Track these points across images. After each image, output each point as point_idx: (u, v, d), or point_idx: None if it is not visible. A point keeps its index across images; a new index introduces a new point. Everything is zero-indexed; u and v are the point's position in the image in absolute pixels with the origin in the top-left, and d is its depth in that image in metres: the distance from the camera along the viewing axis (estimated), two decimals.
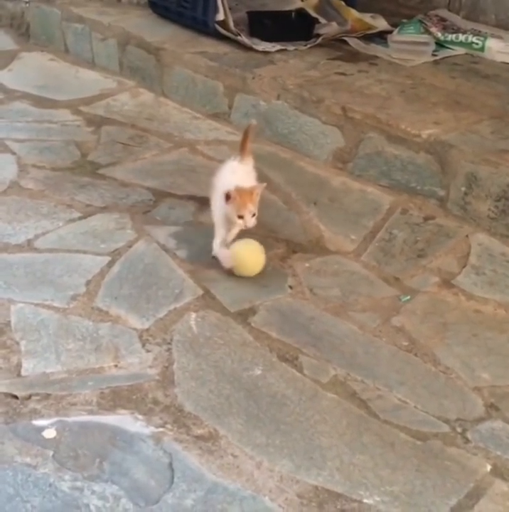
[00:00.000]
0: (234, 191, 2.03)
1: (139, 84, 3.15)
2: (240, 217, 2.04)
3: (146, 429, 1.56)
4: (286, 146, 2.71)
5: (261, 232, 2.32)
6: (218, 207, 2.12)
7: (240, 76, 2.81)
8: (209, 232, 2.31)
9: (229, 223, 2.12)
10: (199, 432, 1.57)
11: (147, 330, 1.88)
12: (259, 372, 1.77)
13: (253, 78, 2.77)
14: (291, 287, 2.10)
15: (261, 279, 2.12)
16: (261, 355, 1.83)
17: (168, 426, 1.57)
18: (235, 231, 2.14)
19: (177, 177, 2.57)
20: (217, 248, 2.15)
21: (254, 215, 2.06)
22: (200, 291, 2.04)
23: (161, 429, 1.57)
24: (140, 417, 1.59)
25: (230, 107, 2.85)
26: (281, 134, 2.72)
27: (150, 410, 1.62)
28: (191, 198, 2.47)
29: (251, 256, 2.12)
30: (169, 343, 1.83)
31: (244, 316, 1.96)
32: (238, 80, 2.81)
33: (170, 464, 1.48)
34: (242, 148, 2.20)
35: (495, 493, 1.50)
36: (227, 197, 2.05)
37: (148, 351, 1.80)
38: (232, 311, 1.98)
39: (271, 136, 2.74)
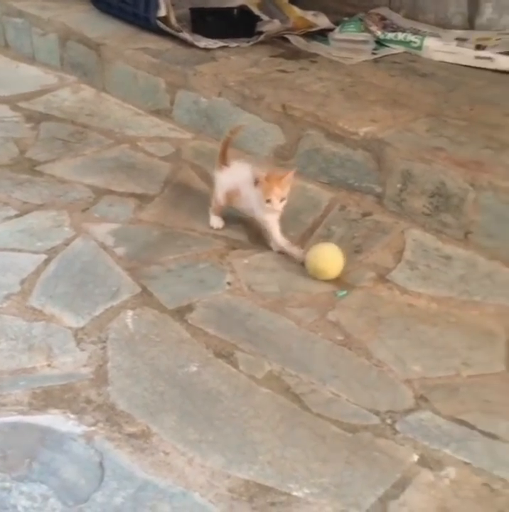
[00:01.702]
0: (261, 176, 2.11)
1: (80, 80, 3.13)
2: (268, 201, 2.12)
3: (78, 429, 1.56)
4: None
5: (201, 229, 2.35)
6: (256, 199, 2.18)
7: (182, 73, 2.81)
8: (149, 229, 2.33)
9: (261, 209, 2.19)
10: (131, 429, 1.58)
11: (82, 328, 1.87)
12: (194, 368, 1.79)
13: (194, 75, 2.78)
14: (229, 284, 2.12)
15: (199, 275, 2.14)
16: (197, 351, 1.85)
17: (100, 424, 1.58)
18: (273, 217, 2.19)
19: (117, 174, 2.57)
20: (281, 241, 2.22)
21: (282, 199, 2.13)
22: (138, 289, 2.04)
23: (92, 428, 1.57)
24: (72, 416, 1.59)
25: (172, 104, 2.85)
26: (222, 131, 2.71)
27: (82, 409, 1.62)
28: (131, 194, 2.47)
29: (333, 260, 2.16)
30: (104, 342, 1.83)
31: (181, 313, 1.97)
32: (180, 77, 2.81)
33: (101, 463, 1.48)
34: (222, 156, 2.27)
35: (420, 482, 1.54)
36: (256, 182, 2.13)
37: (82, 350, 1.80)
38: (170, 308, 1.99)
39: (213, 133, 2.75)
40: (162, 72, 2.85)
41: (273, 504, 1.45)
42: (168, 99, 2.86)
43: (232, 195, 2.28)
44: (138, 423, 1.60)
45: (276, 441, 1.61)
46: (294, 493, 1.48)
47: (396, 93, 2.73)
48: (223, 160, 2.27)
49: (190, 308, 2.00)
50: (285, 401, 1.73)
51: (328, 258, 2.16)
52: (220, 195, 2.31)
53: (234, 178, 2.26)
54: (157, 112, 2.89)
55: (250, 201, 2.22)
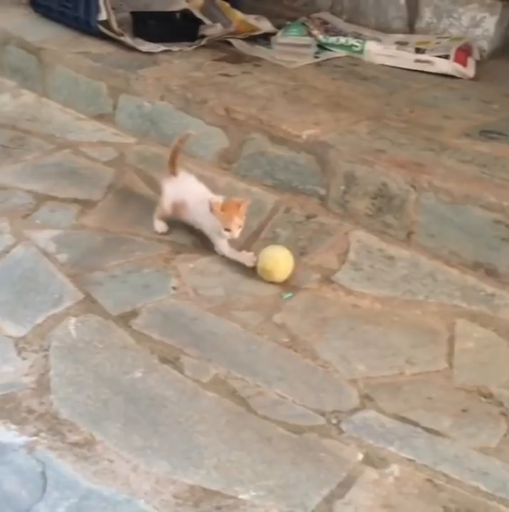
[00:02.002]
0: (217, 204, 2.13)
1: (21, 85, 3.07)
2: (227, 230, 2.15)
3: (19, 439, 1.53)
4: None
5: (145, 234, 2.33)
6: (206, 218, 2.20)
7: (124, 77, 2.79)
8: (92, 234, 2.30)
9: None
10: (74, 438, 1.56)
11: (23, 337, 1.84)
12: (139, 374, 1.77)
13: (136, 79, 2.76)
14: (174, 288, 2.11)
15: (144, 280, 2.12)
16: (142, 357, 1.83)
17: (43, 434, 1.55)
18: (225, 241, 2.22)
19: (59, 179, 2.53)
20: (226, 249, 2.22)
21: (240, 227, 2.16)
22: (81, 296, 2.02)
23: (34, 438, 1.54)
24: (13, 426, 1.56)
25: (115, 108, 2.83)
26: (166, 135, 2.72)
27: (23, 419, 1.59)
28: (74, 200, 2.44)
29: (285, 262, 2.18)
30: (46, 350, 1.80)
31: (125, 319, 1.96)
32: (122, 81, 2.79)
33: (43, 473, 1.46)
34: (171, 164, 2.27)
35: (365, 481, 1.56)
36: (211, 209, 2.15)
37: (24, 359, 1.76)
38: (114, 314, 1.97)
39: (157, 137, 2.74)
40: (104, 76, 2.83)
41: (219, 508, 1.45)
42: (110, 104, 2.83)
43: (178, 207, 2.27)
44: (81, 431, 1.58)
45: (221, 445, 1.60)
46: (240, 496, 1.48)
47: (338, 96, 2.76)
48: (172, 169, 2.26)
49: (134, 313, 1.98)
50: (231, 404, 1.72)
51: (279, 260, 2.17)
52: (166, 205, 2.30)
53: (181, 190, 2.26)
54: (100, 117, 2.86)
55: (198, 215, 2.23)
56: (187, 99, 2.67)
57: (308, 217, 2.43)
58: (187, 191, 2.25)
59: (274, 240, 2.34)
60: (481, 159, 2.38)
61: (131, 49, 2.96)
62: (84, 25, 3.03)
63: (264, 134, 2.53)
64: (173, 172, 2.26)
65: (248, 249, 2.27)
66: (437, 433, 1.71)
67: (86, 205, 2.42)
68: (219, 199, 2.17)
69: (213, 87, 2.74)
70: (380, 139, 2.47)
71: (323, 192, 2.44)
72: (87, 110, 2.89)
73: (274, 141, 2.51)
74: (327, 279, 2.21)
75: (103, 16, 2.95)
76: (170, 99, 2.69)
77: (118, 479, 1.47)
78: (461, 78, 3.01)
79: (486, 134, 2.56)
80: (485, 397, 1.84)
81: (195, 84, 2.74)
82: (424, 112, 2.70)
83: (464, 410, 1.79)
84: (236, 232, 2.16)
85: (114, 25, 2.97)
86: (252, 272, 2.22)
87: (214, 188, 2.34)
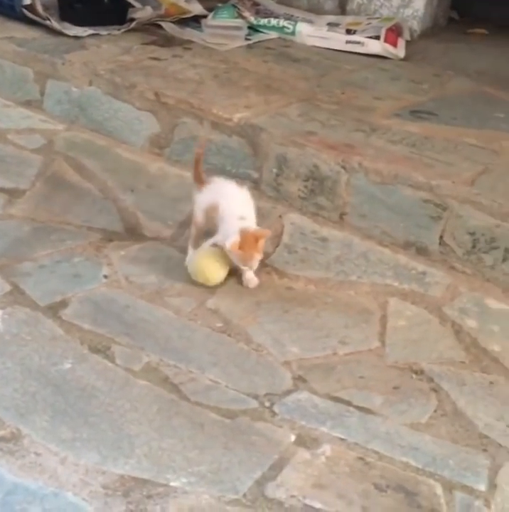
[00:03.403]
0: (235, 245, 1.95)
1: None
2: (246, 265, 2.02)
3: None
4: (102, 133, 2.66)
5: (76, 222, 2.29)
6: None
7: (50, 62, 2.72)
8: (20, 224, 2.24)
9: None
10: (0, 433, 1.52)
11: None
12: (68, 365, 1.74)
13: (63, 64, 2.70)
14: (105, 276, 2.08)
15: (74, 270, 2.08)
16: (71, 348, 1.80)
17: None
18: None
19: None
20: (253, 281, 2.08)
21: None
22: (8, 287, 1.97)
23: None
24: None
25: (42, 94, 2.76)
26: (96, 121, 2.67)
27: None
28: (0, 190, 2.37)
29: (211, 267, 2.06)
30: None
31: (54, 309, 1.92)
32: (48, 66, 2.72)
33: None
34: (196, 176, 2.11)
35: (297, 461, 1.56)
36: (233, 246, 1.96)
37: None
38: (42, 305, 1.92)
39: (87, 123, 2.68)
40: (29, 61, 2.75)
41: (149, 496, 1.43)
42: (37, 90, 2.76)
43: (210, 211, 2.06)
44: (7, 426, 1.54)
45: (153, 433, 1.59)
46: (171, 484, 1.47)
47: (269, 78, 2.75)
48: (198, 178, 2.10)
49: (64, 303, 1.94)
50: (163, 392, 1.71)
51: (205, 269, 2.07)
52: (198, 216, 2.10)
53: (213, 194, 2.07)
54: (27, 103, 2.79)
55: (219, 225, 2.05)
56: (116, 83, 2.62)
57: None
58: (220, 194, 2.06)
59: None
60: (410, 139, 2.41)
61: (58, 33, 2.89)
62: (8, 9, 2.94)
63: (195, 118, 2.50)
64: (200, 181, 2.10)
65: (181, 235, 2.25)
66: (369, 411, 1.73)
67: (13, 194, 2.36)
68: (236, 238, 1.96)
69: (143, 71, 2.69)
70: (311, 121, 2.47)
71: (256, 175, 2.43)
72: (13, 96, 2.81)
73: (205, 125, 2.48)
74: (261, 263, 2.19)
75: (27, 0, 2.86)
76: (99, 84, 2.64)
77: (45, 472, 1.44)
78: (391, 59, 3.04)
79: (416, 113, 2.58)
80: (416, 373, 1.87)
81: (124, 68, 2.69)
82: (355, 93, 2.71)
83: (396, 387, 1.82)
84: (255, 266, 2.02)
85: (40, 9, 2.89)
86: (185, 257, 2.20)
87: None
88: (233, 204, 2.04)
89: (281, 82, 2.72)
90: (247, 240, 1.96)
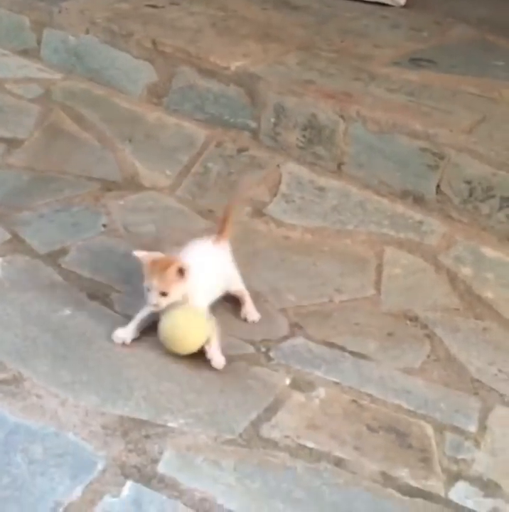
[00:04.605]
0: (144, 256, 1.71)
1: None
2: (147, 289, 1.69)
3: None
4: (99, 83, 2.64)
5: (74, 172, 2.29)
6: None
7: (46, 10, 2.69)
8: (18, 174, 2.25)
9: None
10: (2, 376, 1.55)
11: None
12: (68, 312, 1.77)
13: (59, 12, 2.66)
14: (104, 226, 2.09)
15: (73, 219, 2.10)
16: (71, 295, 1.82)
17: None
18: (139, 316, 1.73)
19: None
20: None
21: (164, 294, 1.66)
22: (8, 235, 1.99)
23: None
24: None
25: (39, 43, 2.73)
26: (93, 70, 2.65)
27: None
28: None
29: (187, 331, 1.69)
30: None
31: (54, 257, 1.94)
32: (44, 14, 2.69)
33: None
34: (220, 228, 1.87)
35: (292, 404, 1.60)
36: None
37: None
38: (42, 253, 1.95)
39: (84, 72, 2.66)
40: (25, 9, 2.72)
41: (147, 436, 1.47)
42: (34, 39, 2.73)
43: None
44: (9, 369, 1.57)
45: (151, 377, 1.62)
46: (169, 424, 1.51)
47: (268, 26, 2.72)
48: (223, 232, 1.87)
49: (63, 252, 1.97)
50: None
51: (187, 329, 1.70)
52: None
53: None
54: (24, 52, 2.76)
55: None
56: (113, 32, 2.59)
57: (240, 150, 2.41)
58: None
59: (204, 174, 2.33)
60: (409, 87, 2.39)
61: None
62: None
63: (193, 67, 2.48)
64: (222, 234, 1.87)
65: (179, 185, 2.26)
66: (363, 356, 1.76)
67: (11, 143, 2.36)
68: (157, 254, 1.74)
69: (140, 18, 2.66)
70: (310, 70, 2.45)
71: (254, 125, 2.42)
72: (10, 45, 2.78)
73: (203, 73, 2.47)
74: (258, 212, 2.22)
75: None
76: (96, 33, 2.61)
77: (46, 414, 1.48)
78: (392, 6, 2.99)
79: (415, 61, 2.56)
80: (410, 320, 1.90)
81: (120, 16, 2.66)
82: (355, 41, 2.68)
83: (390, 334, 1.85)
84: (154, 299, 1.66)
85: None
86: (183, 206, 2.22)
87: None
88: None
89: (279, 30, 2.69)
90: (156, 261, 1.69)
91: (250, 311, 1.84)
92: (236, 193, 1.99)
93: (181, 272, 1.68)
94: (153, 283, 1.67)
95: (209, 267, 1.77)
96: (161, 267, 1.68)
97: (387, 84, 2.41)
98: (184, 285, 1.69)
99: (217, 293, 1.81)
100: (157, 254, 1.73)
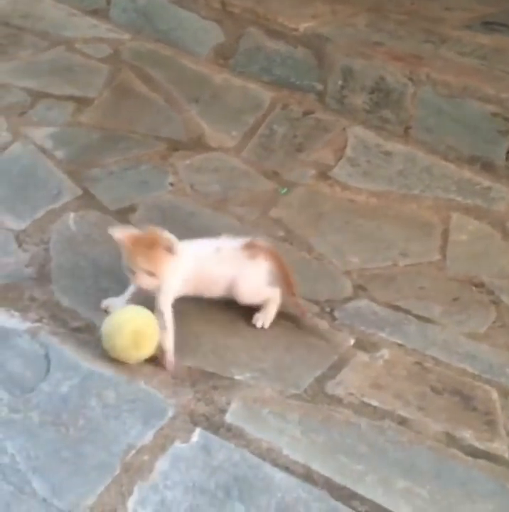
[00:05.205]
0: (125, 236, 1.55)
1: None
2: (132, 271, 1.55)
3: (22, 325, 1.59)
4: (166, 43, 2.67)
5: (142, 131, 2.33)
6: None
7: None
8: (89, 132, 2.30)
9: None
10: (75, 324, 1.61)
11: (24, 230, 1.87)
12: None
13: None
14: (171, 184, 2.13)
15: (141, 177, 2.14)
16: None
17: (45, 320, 1.61)
18: (131, 289, 1.63)
19: (54, 77, 2.50)
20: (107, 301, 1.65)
21: (151, 274, 1.53)
22: (80, 191, 2.04)
23: (37, 324, 1.60)
24: (16, 313, 1.62)
25: (108, 3, 2.77)
26: (161, 31, 2.67)
27: (26, 307, 1.64)
28: (69, 97, 2.42)
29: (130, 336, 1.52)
30: (47, 243, 1.84)
31: (123, 213, 1.98)
32: None
33: (47, 355, 1.52)
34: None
35: (356, 363, 1.62)
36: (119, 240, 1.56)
37: (25, 251, 1.81)
38: (112, 209, 1.99)
39: (152, 33, 2.69)
40: None
41: (215, 388, 1.51)
42: None
43: None
44: (82, 318, 1.63)
45: (217, 333, 1.66)
46: (236, 377, 1.55)
47: None
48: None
49: (132, 208, 2.01)
50: None
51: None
52: None
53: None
54: (94, 12, 2.80)
55: None
56: None
57: (305, 113, 2.41)
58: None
59: (270, 136, 2.33)
60: (481, 51, 2.35)
61: None
62: None
63: (261, 28, 2.48)
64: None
65: (245, 146, 2.28)
66: (428, 320, 1.76)
67: (82, 102, 2.41)
68: (134, 230, 1.59)
69: None
70: (379, 32, 2.43)
71: (320, 87, 2.41)
72: (80, 5, 2.83)
73: (270, 35, 2.47)
74: (323, 174, 2.22)
75: None
76: None
77: (118, 363, 1.53)
78: None
79: (487, 25, 2.51)
80: (476, 286, 1.89)
81: None
82: (425, 3, 2.63)
83: (455, 299, 1.84)
84: (141, 279, 1.53)
85: None
86: (248, 167, 2.23)
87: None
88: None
89: None
90: (143, 239, 1.54)
91: (261, 317, 1.67)
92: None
93: (169, 249, 1.53)
94: (137, 262, 1.51)
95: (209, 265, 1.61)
96: (145, 244, 1.52)
97: (458, 47, 2.36)
98: (175, 263, 1.53)
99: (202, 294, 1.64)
100: (136, 231, 1.57)
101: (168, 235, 1.55)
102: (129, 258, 1.54)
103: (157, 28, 2.67)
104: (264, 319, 1.68)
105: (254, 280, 1.66)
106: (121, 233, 1.56)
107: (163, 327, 1.55)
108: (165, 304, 1.57)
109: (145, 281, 1.54)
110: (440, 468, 1.42)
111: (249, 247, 1.66)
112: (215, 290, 1.65)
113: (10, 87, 2.42)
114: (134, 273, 1.54)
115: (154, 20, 2.67)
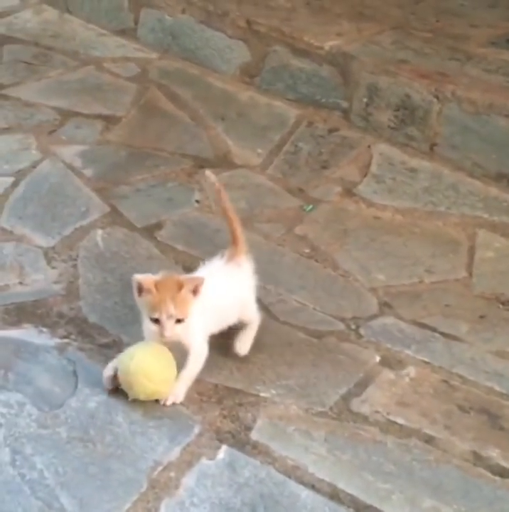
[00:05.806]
0: (148, 280, 1.44)
1: (43, 1, 3.05)
2: (155, 320, 1.44)
3: (51, 341, 1.61)
4: (193, 62, 2.70)
5: (169, 149, 2.35)
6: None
7: None
8: (116, 150, 2.33)
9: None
10: (103, 340, 1.63)
11: (53, 247, 1.91)
12: None
13: None
14: (197, 201, 2.15)
15: (168, 194, 2.16)
16: (166, 267, 1.87)
17: (73, 337, 1.63)
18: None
19: (83, 95, 2.54)
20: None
21: (178, 321, 1.44)
22: (107, 209, 2.07)
23: (65, 340, 1.62)
24: (44, 329, 1.64)
25: (136, 23, 2.81)
26: (188, 50, 2.70)
27: (55, 323, 1.67)
28: (98, 116, 2.46)
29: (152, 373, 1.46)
30: (75, 260, 1.87)
31: (150, 230, 2.01)
32: None
33: (75, 371, 1.54)
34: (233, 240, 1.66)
35: (382, 380, 1.62)
36: (140, 288, 1.45)
37: (53, 268, 1.83)
38: (139, 226, 2.02)
39: (179, 52, 2.72)
40: None
41: (241, 404, 1.52)
42: (131, 18, 2.81)
43: None
44: (109, 334, 1.65)
45: None
46: (261, 394, 1.55)
47: (362, 6, 2.70)
48: None
49: (159, 225, 2.03)
50: None
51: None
52: None
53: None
54: (122, 32, 2.85)
55: None
56: (208, 11, 2.63)
57: (331, 130, 2.42)
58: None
59: (295, 153, 2.35)
60: (507, 68, 2.34)
61: None
62: None
63: (286, 46, 2.50)
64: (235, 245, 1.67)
65: (270, 163, 2.29)
66: (454, 338, 1.76)
67: (110, 120, 2.44)
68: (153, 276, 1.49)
69: None
70: (404, 49, 2.43)
71: (345, 105, 2.43)
72: (109, 25, 2.87)
73: (296, 53, 2.49)
74: (349, 191, 2.22)
75: None
76: (192, 12, 2.66)
77: None
78: None
79: None
80: (503, 304, 1.88)
81: None
82: (450, 20, 2.63)
83: (482, 316, 1.83)
84: (169, 328, 1.42)
85: None
86: (274, 184, 2.24)
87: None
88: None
89: (373, 9, 2.67)
90: (163, 283, 1.45)
91: (245, 342, 1.61)
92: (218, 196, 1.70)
93: (196, 289, 1.44)
94: (168, 310, 1.41)
95: (218, 292, 1.52)
96: (171, 288, 1.42)
97: (483, 64, 2.36)
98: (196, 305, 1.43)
99: (223, 324, 1.57)
100: (156, 276, 1.47)
101: (192, 276, 1.49)
102: (154, 307, 1.42)
103: (184, 47, 2.71)
104: (245, 345, 1.62)
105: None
106: (144, 279, 1.44)
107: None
108: (202, 344, 1.51)
109: (174, 330, 1.43)
110: (467, 488, 1.41)
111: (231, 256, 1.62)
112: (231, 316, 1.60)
113: (40, 106, 2.47)
114: (158, 323, 1.42)
115: (181, 39, 2.71)
